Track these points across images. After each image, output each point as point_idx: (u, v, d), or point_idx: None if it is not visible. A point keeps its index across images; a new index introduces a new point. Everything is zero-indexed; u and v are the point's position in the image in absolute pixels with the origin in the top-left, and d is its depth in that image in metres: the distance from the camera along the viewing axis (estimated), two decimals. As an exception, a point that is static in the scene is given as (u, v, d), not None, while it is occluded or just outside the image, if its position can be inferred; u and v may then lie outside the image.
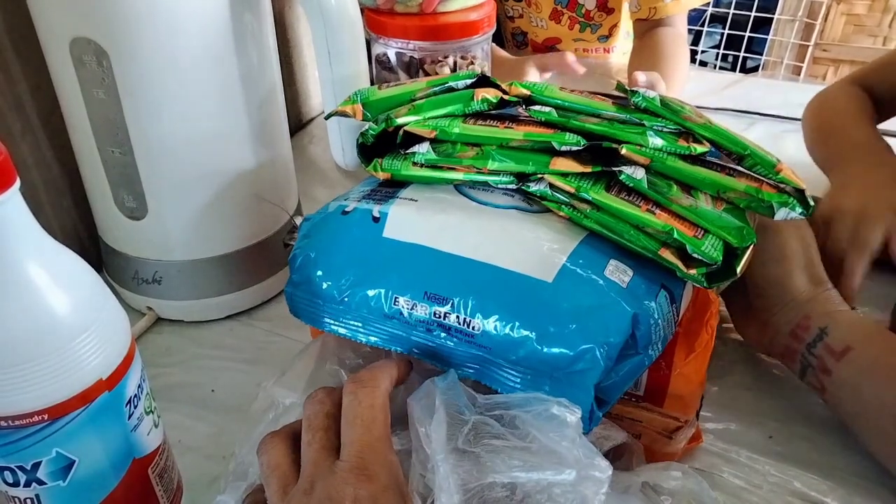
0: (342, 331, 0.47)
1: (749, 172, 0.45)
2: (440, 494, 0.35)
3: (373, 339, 0.46)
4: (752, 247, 0.44)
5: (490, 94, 0.50)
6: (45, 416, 0.35)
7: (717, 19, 2.07)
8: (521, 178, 0.48)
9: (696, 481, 0.45)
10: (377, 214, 0.48)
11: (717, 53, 2.11)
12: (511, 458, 0.37)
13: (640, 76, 0.88)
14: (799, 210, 0.43)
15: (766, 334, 0.56)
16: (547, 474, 0.36)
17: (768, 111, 1.01)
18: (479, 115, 0.50)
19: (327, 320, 0.47)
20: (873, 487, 0.50)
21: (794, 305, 0.55)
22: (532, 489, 0.36)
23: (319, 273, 0.47)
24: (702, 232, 0.43)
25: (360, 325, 0.46)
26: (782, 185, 0.44)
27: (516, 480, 0.36)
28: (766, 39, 2.07)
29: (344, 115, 0.53)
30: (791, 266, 0.55)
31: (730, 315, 0.61)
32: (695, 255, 0.43)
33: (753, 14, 1.95)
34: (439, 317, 0.44)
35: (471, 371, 0.43)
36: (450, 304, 0.43)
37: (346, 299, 0.46)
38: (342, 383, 0.45)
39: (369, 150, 0.52)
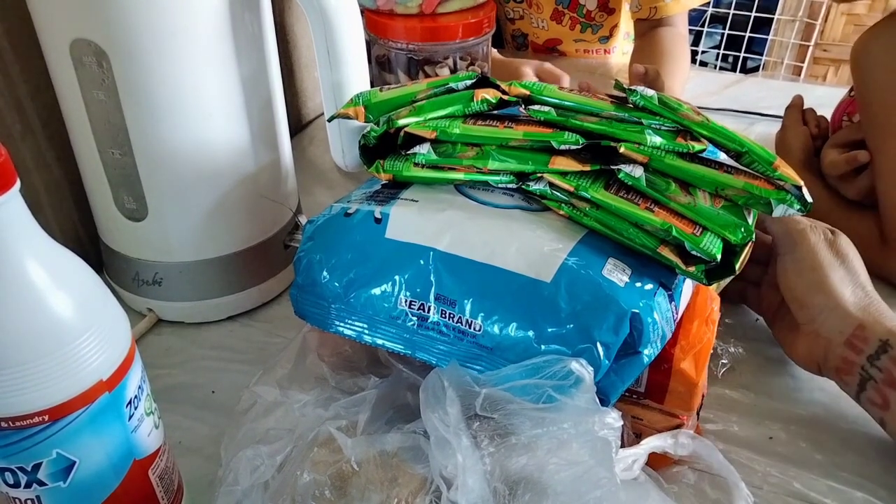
0: (348, 332, 0.47)
1: (747, 169, 0.45)
2: (465, 462, 0.36)
3: (378, 340, 0.46)
4: (750, 243, 0.44)
5: (490, 95, 0.50)
6: (46, 418, 0.35)
7: (718, 19, 2.07)
8: (521, 177, 0.48)
9: (705, 446, 0.45)
10: (379, 216, 0.48)
11: (718, 54, 2.11)
12: (529, 418, 0.37)
13: (640, 67, 0.88)
14: (797, 207, 0.44)
15: (819, 347, 0.54)
16: (565, 427, 0.37)
17: (768, 111, 1.01)
18: (478, 116, 0.50)
19: (333, 322, 0.47)
20: (873, 488, 0.50)
21: (842, 312, 0.53)
22: (554, 446, 0.37)
23: (324, 275, 0.47)
24: (700, 229, 0.43)
25: (365, 326, 0.46)
26: (780, 182, 0.44)
27: (537, 439, 0.37)
28: (767, 40, 2.07)
29: (346, 117, 0.53)
30: (827, 271, 0.54)
31: (778, 340, 0.60)
32: (694, 253, 0.43)
33: (754, 14, 1.95)
34: (443, 317, 0.44)
35: (473, 371, 0.43)
36: (453, 305, 0.43)
37: (351, 301, 0.46)
38: (324, 378, 0.46)
39: (371, 151, 0.52)
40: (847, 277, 0.55)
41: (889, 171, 0.69)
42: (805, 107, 0.86)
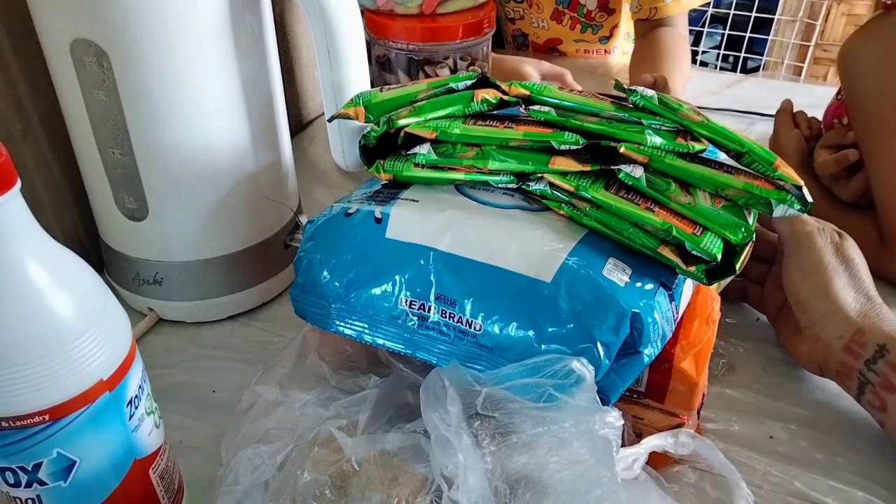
0: (349, 332, 0.47)
1: (747, 169, 0.45)
2: (465, 460, 0.36)
3: (379, 340, 0.46)
4: (750, 243, 0.44)
5: (490, 95, 0.50)
6: (47, 417, 0.35)
7: (718, 20, 2.07)
8: (522, 177, 0.48)
9: (705, 445, 0.45)
10: (379, 215, 0.48)
11: (718, 54, 2.11)
12: (530, 417, 0.37)
13: (648, 77, 0.88)
14: (797, 207, 0.44)
15: (819, 351, 0.55)
16: (566, 426, 0.37)
17: (769, 111, 1.01)
18: (479, 116, 0.50)
19: (334, 321, 0.47)
20: (874, 487, 0.50)
21: (842, 318, 0.53)
22: (555, 445, 0.37)
23: (325, 275, 0.47)
24: (700, 229, 0.43)
25: (365, 325, 0.46)
26: (780, 182, 0.44)
27: (538, 438, 0.37)
28: (767, 40, 2.07)
29: (346, 117, 0.53)
30: (831, 276, 0.54)
31: (781, 340, 0.61)
32: (694, 253, 0.43)
33: (754, 14, 1.95)
34: (444, 316, 0.44)
35: (473, 370, 0.43)
36: (453, 305, 0.43)
37: (351, 300, 0.46)
38: (324, 377, 0.46)
39: (371, 151, 0.52)
40: (850, 283, 0.55)
41: (883, 172, 0.68)
42: (804, 107, 0.86)
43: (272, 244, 0.66)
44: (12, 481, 0.37)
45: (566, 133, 0.47)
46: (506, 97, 0.51)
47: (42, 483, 0.37)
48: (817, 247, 0.55)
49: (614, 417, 0.38)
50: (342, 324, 0.47)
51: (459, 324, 0.44)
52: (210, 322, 0.66)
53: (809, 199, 0.44)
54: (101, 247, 0.66)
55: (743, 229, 0.43)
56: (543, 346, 0.42)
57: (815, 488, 0.50)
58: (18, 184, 0.33)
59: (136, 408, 0.40)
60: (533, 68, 1.00)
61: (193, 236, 0.61)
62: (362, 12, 0.73)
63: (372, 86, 0.58)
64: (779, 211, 0.44)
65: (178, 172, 0.57)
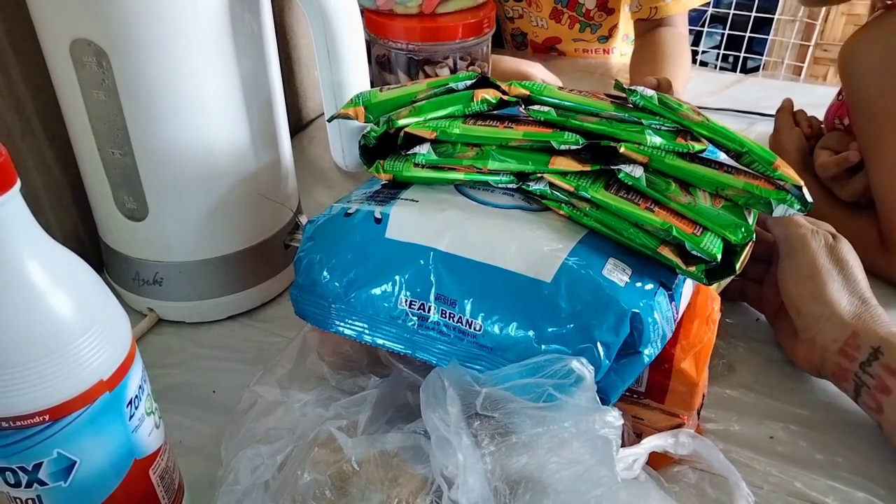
0: (348, 332, 0.47)
1: (747, 169, 0.45)
2: (465, 461, 0.36)
3: (379, 340, 0.46)
4: (750, 243, 0.44)
5: (489, 95, 0.50)
6: (47, 417, 0.35)
7: (718, 20, 2.07)
8: (521, 177, 0.48)
9: (705, 446, 0.45)
10: (379, 216, 0.48)
11: (718, 54, 2.11)
12: (529, 417, 0.37)
13: (652, 79, 0.88)
14: (797, 206, 0.44)
15: (815, 354, 0.55)
16: (566, 426, 0.37)
17: (769, 111, 1.01)
18: (478, 116, 0.50)
19: (334, 322, 0.47)
20: (874, 488, 0.50)
21: (837, 321, 0.54)
22: (555, 445, 0.37)
23: (325, 275, 0.47)
24: (700, 229, 0.43)
25: (365, 326, 0.46)
26: (780, 182, 0.44)
27: (538, 438, 0.37)
28: (767, 40, 2.07)
29: (346, 117, 0.53)
30: (824, 280, 0.54)
31: (780, 342, 0.61)
32: (694, 253, 0.43)
33: (754, 14, 1.95)
34: (443, 316, 0.44)
35: (473, 370, 0.43)
36: (453, 305, 0.43)
37: (351, 300, 0.46)
38: (324, 378, 0.46)
39: (371, 151, 0.52)
40: (844, 286, 0.55)
41: (883, 173, 0.68)
42: (804, 107, 0.86)
43: (272, 244, 0.66)
44: (12, 481, 0.37)
45: (566, 133, 0.47)
46: (506, 97, 0.51)
47: (42, 483, 0.37)
48: (811, 249, 0.55)
49: (614, 417, 0.38)
50: (342, 324, 0.47)
51: (459, 324, 0.44)
52: (210, 322, 0.66)
53: (809, 199, 0.44)
54: (101, 247, 0.66)
55: (743, 229, 0.43)
56: (543, 346, 0.42)
57: (815, 488, 0.50)
58: (18, 184, 0.33)
59: (136, 408, 0.40)
60: (537, 71, 1.00)
61: (193, 236, 0.61)
62: (362, 12, 0.73)
63: (372, 86, 0.58)
64: (779, 211, 0.44)
65: (178, 172, 0.57)
